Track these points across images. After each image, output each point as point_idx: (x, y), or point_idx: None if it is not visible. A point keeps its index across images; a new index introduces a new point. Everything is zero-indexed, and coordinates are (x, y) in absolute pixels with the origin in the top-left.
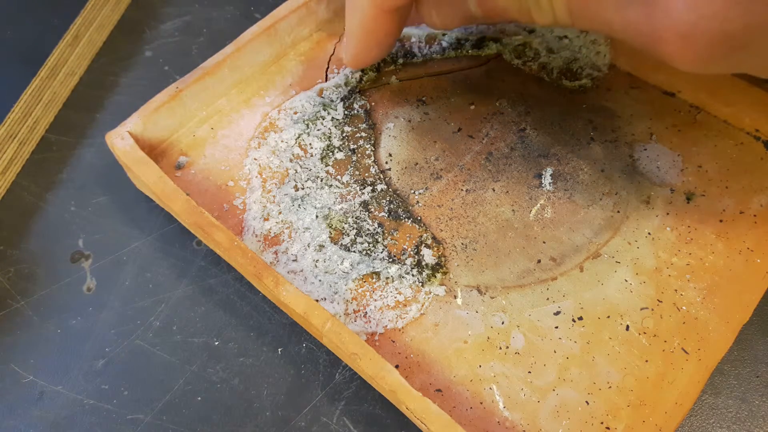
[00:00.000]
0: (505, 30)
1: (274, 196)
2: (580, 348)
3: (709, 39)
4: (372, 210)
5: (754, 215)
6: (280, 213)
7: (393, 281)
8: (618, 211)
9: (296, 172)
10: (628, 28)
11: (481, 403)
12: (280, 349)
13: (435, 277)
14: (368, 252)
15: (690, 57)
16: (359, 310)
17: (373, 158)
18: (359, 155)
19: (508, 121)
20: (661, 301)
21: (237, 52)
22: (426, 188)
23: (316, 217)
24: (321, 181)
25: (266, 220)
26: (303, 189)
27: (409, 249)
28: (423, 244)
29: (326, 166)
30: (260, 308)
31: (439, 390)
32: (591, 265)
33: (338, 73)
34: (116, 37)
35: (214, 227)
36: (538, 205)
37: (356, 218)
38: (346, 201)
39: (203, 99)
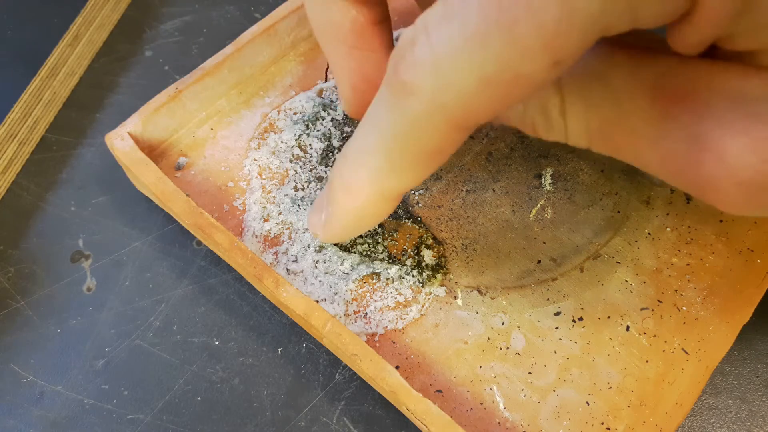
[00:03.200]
0: None
1: (274, 197)
2: (580, 348)
3: None
4: None
5: None
6: (280, 214)
7: (393, 282)
8: (618, 212)
9: (296, 172)
10: (667, 169)
11: (482, 403)
12: (280, 349)
13: (435, 277)
14: (368, 253)
15: (746, 204)
16: (359, 311)
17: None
18: None
19: None
20: (661, 302)
21: (237, 52)
22: (426, 188)
23: None
24: (321, 181)
25: (266, 220)
26: (303, 190)
27: (410, 249)
28: (423, 245)
29: (326, 166)
30: (260, 308)
31: (439, 391)
32: (591, 266)
33: None
34: (116, 37)
35: (214, 228)
36: (538, 205)
37: None
38: None
39: (203, 100)
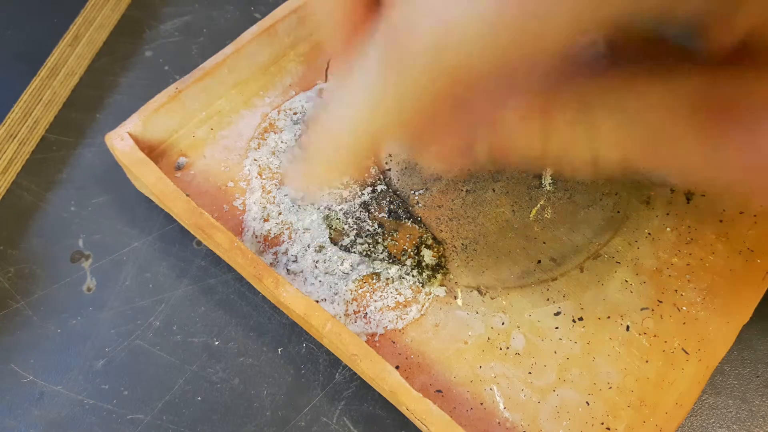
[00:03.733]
0: None
1: (274, 197)
2: (580, 348)
3: None
4: (372, 210)
5: (754, 215)
6: (280, 214)
7: (393, 282)
8: (618, 211)
9: None
10: (722, 179)
11: (482, 403)
12: (280, 349)
13: (435, 277)
14: (368, 253)
15: None
16: (359, 311)
17: (372, 159)
18: None
19: None
20: (661, 302)
21: (237, 52)
22: (426, 188)
23: (317, 217)
24: None
25: (266, 221)
26: None
27: (410, 249)
28: (423, 245)
29: None
30: (260, 308)
31: (439, 391)
32: (591, 266)
33: None
34: (116, 37)
35: (214, 228)
36: (538, 205)
37: (356, 219)
38: (346, 202)
39: (203, 100)
